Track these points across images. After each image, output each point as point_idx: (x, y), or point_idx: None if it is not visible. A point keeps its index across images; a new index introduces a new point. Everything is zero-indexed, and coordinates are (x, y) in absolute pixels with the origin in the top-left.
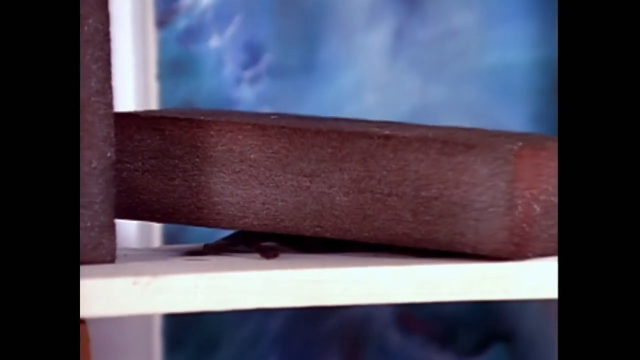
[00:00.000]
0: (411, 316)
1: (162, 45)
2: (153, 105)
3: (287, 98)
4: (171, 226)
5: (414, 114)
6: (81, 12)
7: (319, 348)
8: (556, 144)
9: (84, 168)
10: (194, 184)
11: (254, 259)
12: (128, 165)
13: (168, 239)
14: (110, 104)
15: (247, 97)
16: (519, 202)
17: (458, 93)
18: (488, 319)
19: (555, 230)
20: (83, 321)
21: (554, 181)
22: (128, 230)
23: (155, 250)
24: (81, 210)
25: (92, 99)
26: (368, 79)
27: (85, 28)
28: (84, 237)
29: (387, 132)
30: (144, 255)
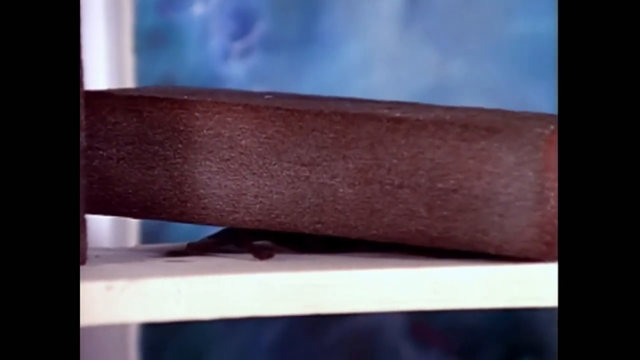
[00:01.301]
0: (427, 326)
1: (139, 13)
2: (129, 82)
3: (283, 74)
4: (150, 223)
5: (430, 93)
6: None
7: None
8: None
9: None
10: (176, 174)
11: (246, 260)
12: (100, 152)
13: (146, 237)
14: (79, 81)
15: (237, 73)
16: (551, 194)
17: (480, 69)
18: (515, 330)
19: None
20: None
21: None
22: (101, 227)
23: (132, 250)
24: None
25: None
26: (377, 52)
27: None
28: None
29: (398, 115)
30: (119, 256)
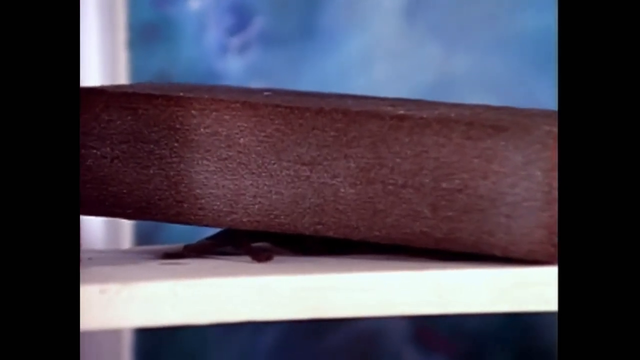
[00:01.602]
0: (431, 331)
1: (133, 6)
2: (122, 79)
3: (282, 70)
4: (145, 224)
5: (433, 90)
6: None
7: None
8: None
9: None
10: (172, 174)
11: (244, 262)
12: (94, 151)
13: (141, 239)
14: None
15: (235, 69)
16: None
17: (486, 64)
18: (523, 335)
19: None
20: None
21: None
22: (93, 228)
23: (126, 252)
24: None
25: None
26: (378, 47)
27: None
28: None
29: (401, 112)
30: (113, 259)
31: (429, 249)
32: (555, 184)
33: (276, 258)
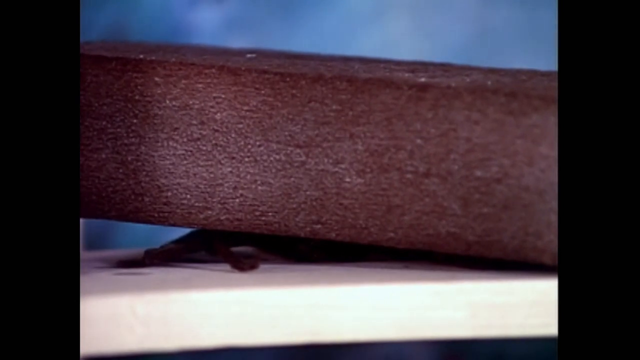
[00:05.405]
0: (462, 359)
1: None
2: None
3: (270, 25)
4: (95, 223)
5: (466, 49)
6: None
7: None
8: None
9: None
10: (129, 158)
11: (222, 271)
12: None
13: (90, 242)
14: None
15: (210, 23)
16: None
17: (533, 16)
18: None
19: None
20: None
21: None
22: None
23: None
24: None
25: None
26: None
27: None
28: None
29: (423, 80)
30: None
31: (458, 255)
32: None
33: (262, 266)
